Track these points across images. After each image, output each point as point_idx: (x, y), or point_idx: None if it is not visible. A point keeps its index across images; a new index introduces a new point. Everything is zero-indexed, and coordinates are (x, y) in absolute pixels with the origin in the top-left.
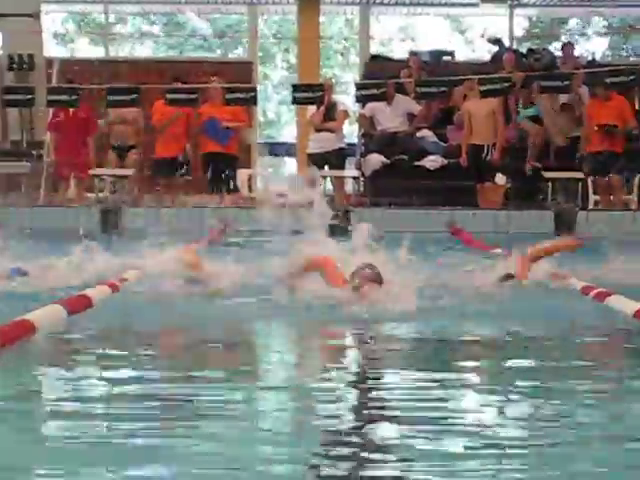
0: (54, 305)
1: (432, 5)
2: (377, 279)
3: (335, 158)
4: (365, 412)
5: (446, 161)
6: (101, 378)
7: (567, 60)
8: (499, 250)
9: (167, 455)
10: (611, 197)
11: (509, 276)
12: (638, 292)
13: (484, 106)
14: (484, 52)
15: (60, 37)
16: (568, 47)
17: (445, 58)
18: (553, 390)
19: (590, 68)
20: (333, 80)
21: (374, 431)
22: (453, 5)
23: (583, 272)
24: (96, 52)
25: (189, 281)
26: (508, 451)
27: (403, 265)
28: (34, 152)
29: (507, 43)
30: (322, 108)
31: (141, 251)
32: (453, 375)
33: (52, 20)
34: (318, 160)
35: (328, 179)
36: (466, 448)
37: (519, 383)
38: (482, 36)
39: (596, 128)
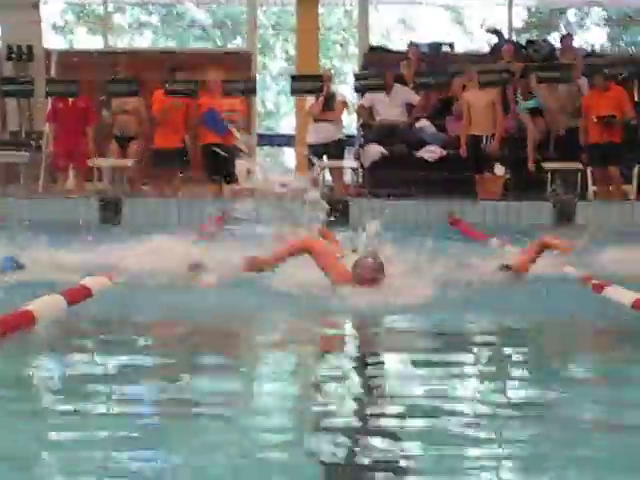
0: (54, 295)
1: None
2: (380, 268)
3: (334, 149)
4: (366, 399)
5: (445, 152)
6: (100, 365)
7: (566, 51)
8: (497, 240)
9: (167, 438)
10: (610, 188)
11: (507, 267)
12: (636, 282)
13: (483, 97)
14: (483, 43)
15: (59, 28)
16: (567, 38)
17: (444, 49)
18: (552, 380)
19: (589, 59)
20: (332, 71)
21: (375, 418)
22: None
23: (581, 263)
24: (95, 43)
25: (188, 270)
26: (508, 436)
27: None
28: (33, 142)
29: (506, 34)
30: (321, 99)
31: (139, 242)
32: (453, 364)
33: (51, 11)
34: (317, 151)
35: (327, 170)
36: (467, 438)
37: (518, 372)
38: (481, 26)
39: (595, 119)
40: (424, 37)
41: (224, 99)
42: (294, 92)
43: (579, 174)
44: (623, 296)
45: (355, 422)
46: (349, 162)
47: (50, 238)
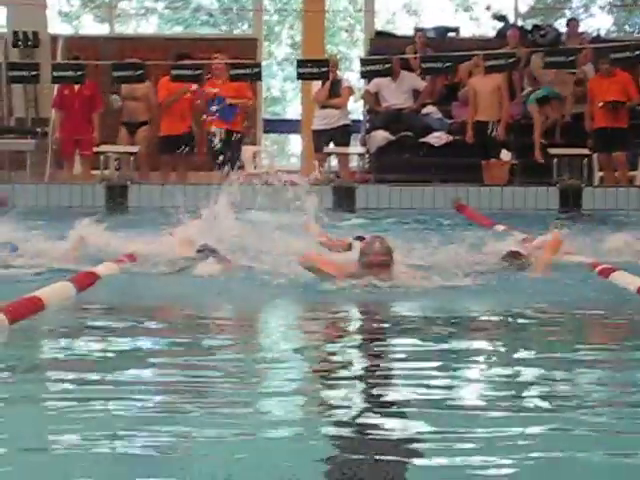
0: (63, 282)
1: None
2: (388, 253)
3: (340, 135)
4: (371, 382)
5: (451, 137)
6: (108, 351)
7: (572, 36)
8: (502, 227)
9: (172, 419)
10: (616, 174)
11: (515, 254)
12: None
13: (489, 82)
14: (489, 28)
15: (65, 14)
16: (573, 23)
17: (450, 34)
18: (557, 364)
19: (595, 44)
20: (338, 57)
21: (379, 404)
22: None
23: (587, 248)
24: (101, 29)
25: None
26: (513, 418)
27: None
28: (39, 129)
29: (512, 19)
30: (327, 85)
31: (144, 229)
32: (458, 350)
33: None
34: (323, 137)
35: (333, 156)
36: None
37: (522, 355)
38: (487, 9)
39: (601, 104)
40: (430, 22)
41: (230, 84)
42: (300, 77)
43: (585, 160)
44: (629, 281)
45: (360, 399)
46: (355, 148)
47: (57, 224)
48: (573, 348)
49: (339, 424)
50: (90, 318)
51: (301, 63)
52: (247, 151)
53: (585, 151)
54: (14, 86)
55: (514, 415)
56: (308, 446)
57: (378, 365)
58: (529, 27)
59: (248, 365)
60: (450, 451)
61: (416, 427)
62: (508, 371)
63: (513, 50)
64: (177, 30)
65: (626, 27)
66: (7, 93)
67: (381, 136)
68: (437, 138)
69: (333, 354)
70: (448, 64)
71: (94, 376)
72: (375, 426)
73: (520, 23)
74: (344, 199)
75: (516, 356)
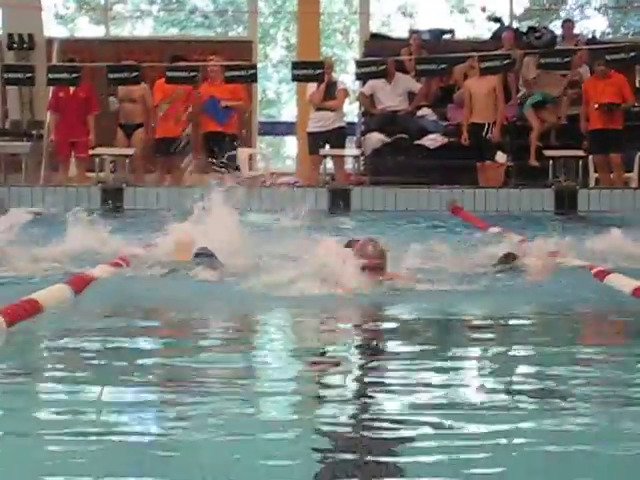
0: (60, 285)
1: None
2: (381, 256)
3: (335, 137)
4: (365, 381)
5: (446, 140)
6: (103, 352)
7: (567, 38)
8: (498, 229)
9: (168, 420)
10: (611, 175)
11: (511, 256)
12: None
13: (485, 84)
14: (484, 30)
15: (61, 17)
16: (568, 24)
17: (445, 36)
18: (552, 366)
19: (590, 46)
20: (333, 59)
21: (373, 402)
22: None
23: (583, 250)
24: (96, 32)
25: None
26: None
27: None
28: (34, 132)
29: (507, 21)
30: (322, 87)
31: (140, 232)
32: (454, 351)
33: (54, 2)
34: (318, 139)
35: (328, 158)
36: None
37: (518, 357)
38: (482, 10)
39: (596, 106)
40: (425, 24)
41: (225, 87)
42: (295, 79)
43: (580, 161)
44: (624, 284)
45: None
46: (350, 150)
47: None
48: (568, 349)
49: (335, 425)
50: (86, 320)
51: (296, 65)
52: (242, 153)
53: (580, 153)
54: (9, 88)
55: (509, 415)
56: (303, 446)
57: (374, 367)
58: (524, 29)
59: (244, 366)
60: (446, 452)
61: (412, 428)
62: (504, 373)
63: (508, 52)
64: (172, 32)
65: (621, 29)
66: (2, 95)
67: (376, 138)
68: (432, 140)
69: (328, 355)
70: (443, 66)
71: (90, 378)
72: (372, 426)
73: (515, 25)
74: (339, 201)
75: (512, 358)
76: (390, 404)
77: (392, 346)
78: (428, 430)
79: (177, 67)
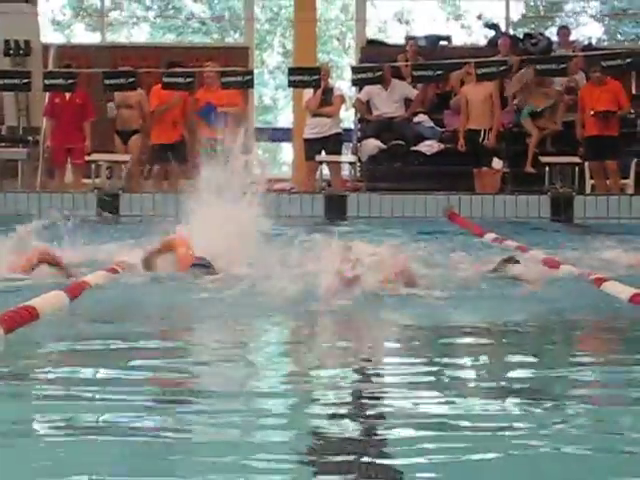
0: (56, 291)
1: None
2: (378, 266)
3: (332, 143)
4: (362, 384)
5: (443, 146)
6: (100, 356)
7: (563, 44)
8: (494, 235)
9: (165, 422)
10: (608, 182)
11: (512, 260)
12: (633, 277)
13: (481, 91)
14: (480, 37)
15: (57, 23)
16: (564, 31)
17: (442, 43)
18: (550, 372)
19: (586, 52)
20: (330, 65)
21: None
22: None
23: (578, 257)
24: (93, 38)
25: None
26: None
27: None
28: (30, 138)
29: (503, 27)
30: (318, 93)
31: (136, 237)
32: (451, 356)
33: (49, 6)
34: (314, 145)
35: (325, 164)
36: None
37: (515, 363)
38: (479, 18)
39: (592, 113)
40: (421, 31)
41: (221, 92)
42: (291, 85)
43: (577, 168)
44: (621, 291)
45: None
46: (347, 157)
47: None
48: (565, 354)
49: (333, 427)
50: (82, 326)
51: (293, 71)
52: (238, 160)
53: (576, 159)
54: (5, 94)
55: (506, 418)
56: (300, 448)
57: (371, 371)
58: (520, 35)
59: (239, 371)
60: (445, 453)
61: (409, 430)
62: (501, 377)
63: (504, 58)
64: (169, 38)
65: (617, 35)
66: None
67: (372, 145)
68: (429, 146)
69: (324, 357)
70: (439, 72)
71: (85, 381)
72: (369, 428)
73: (511, 31)
74: (335, 208)
75: (508, 363)
76: (388, 406)
77: (390, 350)
78: (426, 432)
79: (173, 73)
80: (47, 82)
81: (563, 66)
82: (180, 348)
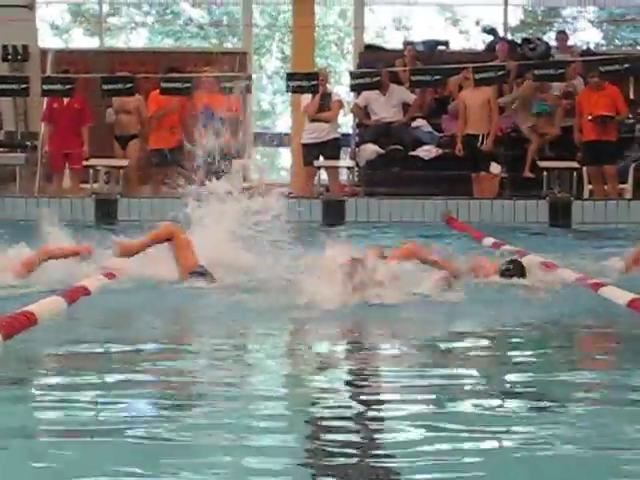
0: (54, 296)
1: None
2: (372, 275)
3: (330, 148)
4: (360, 388)
5: (441, 151)
6: (97, 360)
7: (561, 49)
8: (492, 240)
9: (163, 424)
10: (606, 186)
11: (517, 263)
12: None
13: (479, 95)
14: (478, 42)
15: (55, 28)
16: (562, 36)
17: (440, 48)
18: (548, 379)
19: (584, 57)
20: (328, 70)
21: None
22: None
23: (576, 262)
24: (91, 43)
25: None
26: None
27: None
28: (28, 143)
29: (501, 33)
30: (317, 98)
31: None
32: (449, 359)
33: (47, 11)
34: (312, 150)
35: (323, 169)
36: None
37: (513, 367)
38: (477, 24)
39: (590, 118)
40: (419, 36)
41: (219, 97)
42: (290, 90)
43: (575, 173)
44: (618, 296)
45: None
46: (345, 162)
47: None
48: (563, 359)
49: (332, 428)
50: (80, 331)
51: (291, 76)
52: (236, 164)
53: (574, 164)
54: (3, 99)
55: (505, 421)
56: (298, 451)
57: (369, 374)
58: (519, 40)
59: (238, 372)
60: (443, 455)
61: (408, 433)
62: (499, 381)
63: (502, 63)
64: (167, 43)
65: (615, 41)
66: None
67: (371, 149)
68: (427, 151)
69: (323, 360)
70: (437, 77)
71: (86, 385)
72: (367, 430)
73: (509, 36)
74: (334, 213)
75: (506, 367)
76: (387, 410)
77: (388, 353)
78: (424, 435)
79: (171, 78)
80: (45, 87)
81: (561, 71)
82: (178, 352)
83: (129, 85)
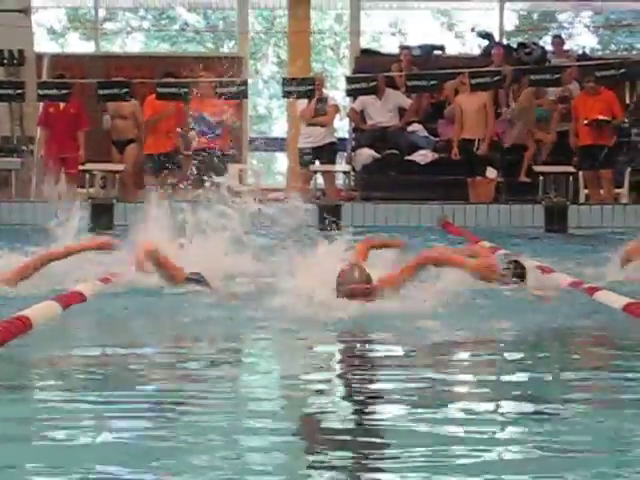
0: (49, 301)
1: None
2: (368, 281)
3: (326, 153)
4: (358, 393)
5: (437, 155)
6: (94, 365)
7: (557, 53)
8: (488, 244)
9: (161, 427)
10: (602, 191)
11: (518, 264)
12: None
13: (475, 100)
14: (474, 46)
15: (51, 33)
16: (557, 40)
17: (436, 52)
18: (546, 383)
19: (580, 62)
20: (324, 75)
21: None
22: None
23: (571, 266)
24: (87, 47)
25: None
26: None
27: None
28: (24, 148)
29: (497, 37)
30: (313, 103)
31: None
32: (447, 363)
33: (43, 16)
34: (309, 155)
35: (319, 174)
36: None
37: (512, 374)
38: (472, 30)
39: (586, 122)
40: (415, 40)
41: (216, 102)
42: (286, 95)
43: (570, 177)
44: (613, 300)
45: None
46: (341, 166)
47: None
48: (559, 362)
49: (331, 431)
50: (76, 336)
51: (287, 81)
52: (233, 169)
53: (570, 169)
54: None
55: (504, 423)
56: (294, 449)
57: (366, 379)
58: (514, 45)
59: (236, 374)
60: (442, 456)
61: (407, 435)
62: (496, 385)
63: (498, 68)
64: (163, 48)
65: (611, 45)
66: None
67: (367, 154)
68: (423, 156)
69: (317, 362)
70: (433, 82)
71: (82, 389)
72: (366, 432)
73: (505, 41)
74: (329, 217)
75: (504, 370)
76: (382, 411)
77: (386, 357)
78: (422, 436)
79: (167, 83)
80: (41, 92)
81: (557, 76)
82: (174, 355)
83: (125, 90)
